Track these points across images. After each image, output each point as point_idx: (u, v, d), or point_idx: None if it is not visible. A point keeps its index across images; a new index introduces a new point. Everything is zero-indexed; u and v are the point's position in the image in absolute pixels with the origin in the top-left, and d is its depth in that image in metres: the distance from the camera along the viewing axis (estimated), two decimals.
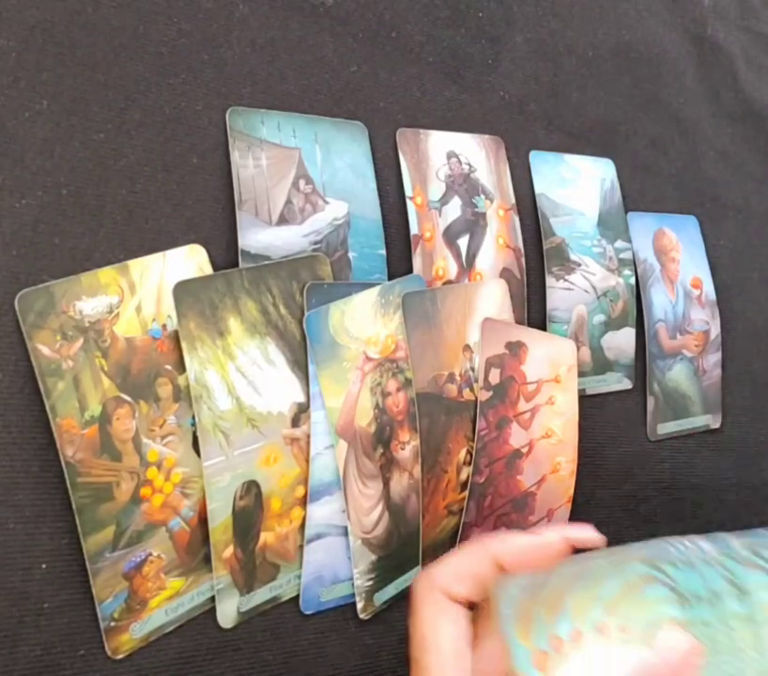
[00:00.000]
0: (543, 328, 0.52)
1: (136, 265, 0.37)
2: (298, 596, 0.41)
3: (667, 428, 0.59)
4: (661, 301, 0.59)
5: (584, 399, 0.53)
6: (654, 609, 0.27)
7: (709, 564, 0.28)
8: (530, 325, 0.51)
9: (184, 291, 0.37)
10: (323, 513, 0.41)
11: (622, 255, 0.58)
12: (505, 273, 0.50)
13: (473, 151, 0.51)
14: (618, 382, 0.56)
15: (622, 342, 0.57)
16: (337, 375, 0.41)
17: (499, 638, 0.28)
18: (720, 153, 0.68)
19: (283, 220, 0.42)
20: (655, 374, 0.58)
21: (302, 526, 0.41)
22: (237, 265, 0.40)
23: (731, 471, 0.63)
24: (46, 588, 0.35)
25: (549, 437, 0.49)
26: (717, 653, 0.26)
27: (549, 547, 0.31)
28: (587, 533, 0.32)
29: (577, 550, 0.31)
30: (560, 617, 0.27)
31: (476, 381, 0.47)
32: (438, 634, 0.29)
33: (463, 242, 0.49)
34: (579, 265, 0.55)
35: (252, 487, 0.39)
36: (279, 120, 0.43)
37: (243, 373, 0.39)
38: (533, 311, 0.52)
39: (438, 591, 0.30)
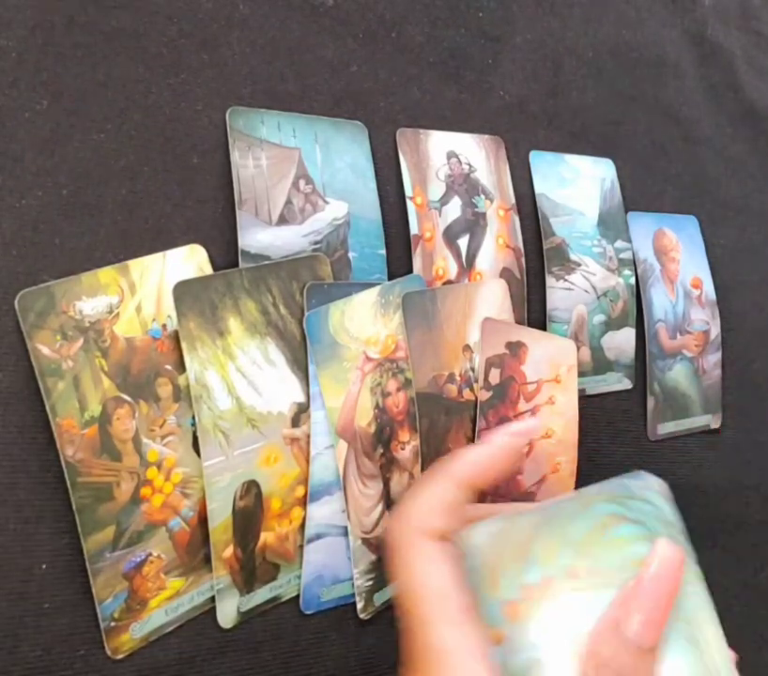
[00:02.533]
0: (543, 328, 0.52)
1: (136, 265, 0.37)
2: (298, 596, 0.41)
3: (667, 428, 0.59)
4: (661, 301, 0.59)
5: (584, 399, 0.53)
6: (625, 549, 0.26)
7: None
8: (530, 325, 0.51)
9: (184, 291, 0.37)
10: (323, 513, 0.41)
11: (622, 255, 0.58)
12: (505, 273, 0.50)
13: (473, 151, 0.51)
14: (618, 382, 0.56)
15: (622, 342, 0.57)
16: (337, 375, 0.41)
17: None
18: (720, 153, 0.68)
19: (283, 220, 0.42)
20: (655, 374, 0.58)
21: (302, 526, 0.41)
22: (237, 265, 0.40)
23: (731, 471, 0.63)
24: (46, 588, 0.35)
25: (549, 438, 0.49)
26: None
27: (503, 450, 0.30)
28: (525, 423, 0.32)
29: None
30: (528, 565, 0.26)
31: (476, 381, 0.47)
32: (427, 578, 0.26)
33: (463, 242, 0.49)
34: (579, 265, 0.55)
35: (252, 487, 0.39)
36: (279, 120, 0.43)
37: (243, 373, 0.39)
38: (533, 311, 0.52)
39: (416, 532, 0.27)
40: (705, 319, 0.62)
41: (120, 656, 0.36)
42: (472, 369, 0.47)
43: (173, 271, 0.38)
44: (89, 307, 0.35)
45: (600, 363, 0.55)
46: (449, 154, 0.50)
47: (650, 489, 0.29)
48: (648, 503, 0.28)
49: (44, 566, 0.35)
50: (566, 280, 0.54)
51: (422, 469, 0.44)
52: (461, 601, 0.26)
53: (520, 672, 0.25)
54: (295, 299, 0.41)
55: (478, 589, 0.26)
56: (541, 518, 0.28)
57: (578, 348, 0.53)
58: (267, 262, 0.41)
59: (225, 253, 0.40)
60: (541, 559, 0.26)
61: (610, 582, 0.26)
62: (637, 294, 0.58)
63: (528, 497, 0.49)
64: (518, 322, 0.50)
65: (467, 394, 0.46)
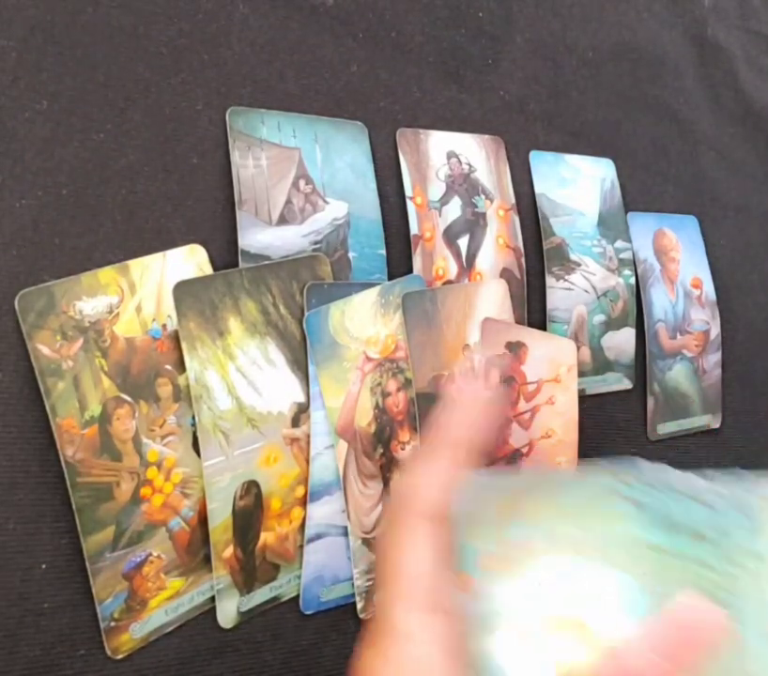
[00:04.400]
0: (543, 328, 0.52)
1: (136, 265, 0.37)
2: (298, 596, 0.41)
3: (667, 428, 0.59)
4: (661, 301, 0.59)
5: (584, 399, 0.53)
6: (615, 525, 0.26)
7: (700, 497, 0.26)
8: (530, 325, 0.51)
9: (184, 291, 0.37)
10: (323, 513, 0.41)
11: (622, 255, 0.58)
12: (505, 273, 0.50)
13: (473, 151, 0.51)
14: (618, 382, 0.56)
15: (621, 342, 0.57)
16: (337, 375, 0.41)
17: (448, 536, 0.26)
18: (720, 153, 0.68)
19: (283, 220, 0.42)
20: (655, 374, 0.58)
21: (302, 526, 0.41)
22: (237, 265, 0.40)
23: (732, 471, 0.63)
24: (46, 588, 0.35)
25: (549, 438, 0.49)
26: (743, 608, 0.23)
27: (479, 403, 0.30)
28: (462, 372, 0.31)
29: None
30: (513, 521, 0.26)
31: None
32: (410, 560, 0.26)
33: (463, 242, 0.49)
34: (579, 265, 0.55)
35: (252, 487, 0.39)
36: (279, 120, 0.43)
37: (243, 373, 0.39)
38: (533, 311, 0.52)
39: (413, 512, 0.27)
40: (705, 319, 0.62)
41: (120, 656, 0.36)
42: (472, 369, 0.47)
43: (173, 271, 0.38)
44: (89, 307, 0.35)
45: (600, 363, 0.55)
46: (449, 154, 0.50)
47: (665, 481, 0.28)
48: (655, 490, 0.27)
49: (44, 566, 0.35)
50: (566, 280, 0.54)
51: None
52: (435, 589, 0.26)
53: (480, 622, 0.25)
54: (295, 299, 0.41)
55: (459, 534, 0.26)
56: (537, 479, 0.28)
57: (578, 348, 0.53)
58: (267, 262, 0.41)
59: (225, 253, 0.40)
60: (527, 518, 0.26)
61: (590, 554, 0.25)
62: (637, 294, 0.58)
63: None
64: (518, 322, 0.50)
65: None
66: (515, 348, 0.48)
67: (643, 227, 0.60)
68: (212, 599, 0.39)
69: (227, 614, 0.39)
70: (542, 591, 0.25)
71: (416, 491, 0.28)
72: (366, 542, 0.42)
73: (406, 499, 0.28)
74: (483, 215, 0.50)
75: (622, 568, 0.25)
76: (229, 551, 0.39)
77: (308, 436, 0.41)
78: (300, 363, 0.41)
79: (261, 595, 0.40)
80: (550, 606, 0.25)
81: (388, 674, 0.25)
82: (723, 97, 0.69)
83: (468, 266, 0.49)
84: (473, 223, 0.50)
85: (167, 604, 0.37)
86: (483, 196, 0.51)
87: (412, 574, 0.26)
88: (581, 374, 0.53)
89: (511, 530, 0.26)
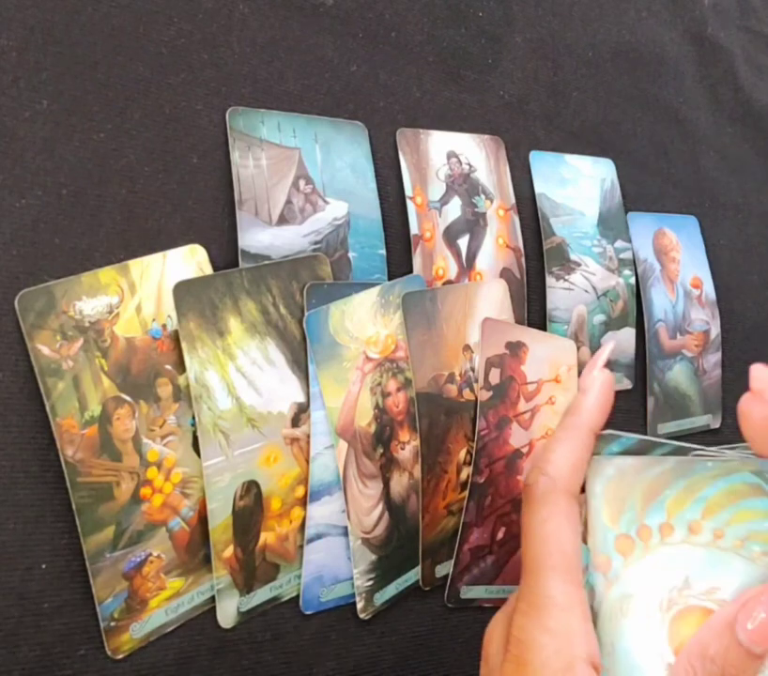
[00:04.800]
0: (543, 328, 0.52)
1: (136, 265, 0.37)
2: (298, 596, 0.41)
3: (667, 428, 0.59)
4: (661, 301, 0.59)
5: None
6: (754, 521, 0.26)
7: None
8: (530, 325, 0.51)
9: (184, 291, 0.37)
10: (323, 513, 0.41)
11: (622, 255, 0.58)
12: (505, 273, 0.50)
13: (473, 151, 0.51)
14: (618, 382, 0.56)
15: (621, 342, 0.57)
16: (337, 375, 0.41)
17: (584, 516, 0.28)
18: (720, 153, 0.68)
19: (283, 220, 0.42)
20: (655, 374, 0.58)
21: (302, 526, 0.41)
22: (237, 265, 0.40)
23: None
24: (46, 588, 0.35)
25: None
26: None
27: (607, 388, 0.32)
28: (606, 349, 0.34)
29: None
30: (653, 508, 0.27)
31: (476, 381, 0.47)
32: (558, 534, 0.28)
33: (463, 242, 0.49)
34: (579, 265, 0.55)
35: (252, 487, 0.39)
36: (279, 120, 0.43)
37: (243, 373, 0.39)
38: (533, 311, 0.52)
39: (560, 491, 0.29)
40: (705, 319, 0.62)
41: (120, 656, 0.36)
42: (472, 369, 0.47)
43: (173, 271, 0.38)
44: (89, 307, 0.35)
45: None
46: (449, 154, 0.50)
47: None
48: None
49: (44, 566, 0.35)
50: (566, 280, 0.54)
51: (422, 469, 0.44)
52: (578, 561, 0.28)
53: (613, 603, 0.27)
54: (295, 299, 0.41)
55: (598, 515, 0.27)
56: (679, 468, 0.28)
57: (578, 348, 0.53)
58: (267, 262, 0.41)
59: (225, 253, 0.40)
60: (668, 505, 0.27)
61: (727, 548, 0.26)
62: (637, 294, 0.58)
63: None
64: (518, 322, 0.50)
65: (467, 394, 0.46)
66: (515, 348, 0.48)
67: (643, 227, 0.60)
68: (212, 599, 0.39)
69: (227, 614, 0.39)
70: (675, 579, 0.26)
71: (559, 470, 0.30)
72: (366, 542, 0.42)
73: (550, 478, 0.30)
74: (484, 215, 0.50)
75: (759, 562, 0.26)
76: (229, 551, 0.39)
77: (308, 436, 0.41)
78: (300, 363, 0.41)
79: (261, 595, 0.40)
80: (682, 593, 0.26)
81: (545, 641, 0.27)
82: (723, 96, 0.69)
83: (468, 266, 0.49)
84: (473, 223, 0.50)
85: (167, 604, 0.37)
86: (483, 196, 0.51)
87: (563, 550, 0.28)
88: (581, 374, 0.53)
89: (651, 517, 0.27)
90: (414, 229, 0.47)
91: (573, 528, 0.29)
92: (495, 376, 0.47)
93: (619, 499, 0.28)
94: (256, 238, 0.41)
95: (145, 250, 0.38)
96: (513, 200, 0.52)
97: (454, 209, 0.49)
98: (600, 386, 0.33)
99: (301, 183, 0.43)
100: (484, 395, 0.47)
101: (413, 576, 0.45)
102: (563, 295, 0.54)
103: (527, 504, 0.30)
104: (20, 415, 0.34)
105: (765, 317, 0.67)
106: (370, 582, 0.43)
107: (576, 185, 0.56)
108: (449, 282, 0.48)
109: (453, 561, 0.46)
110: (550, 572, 0.28)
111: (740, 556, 0.26)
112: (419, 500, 0.44)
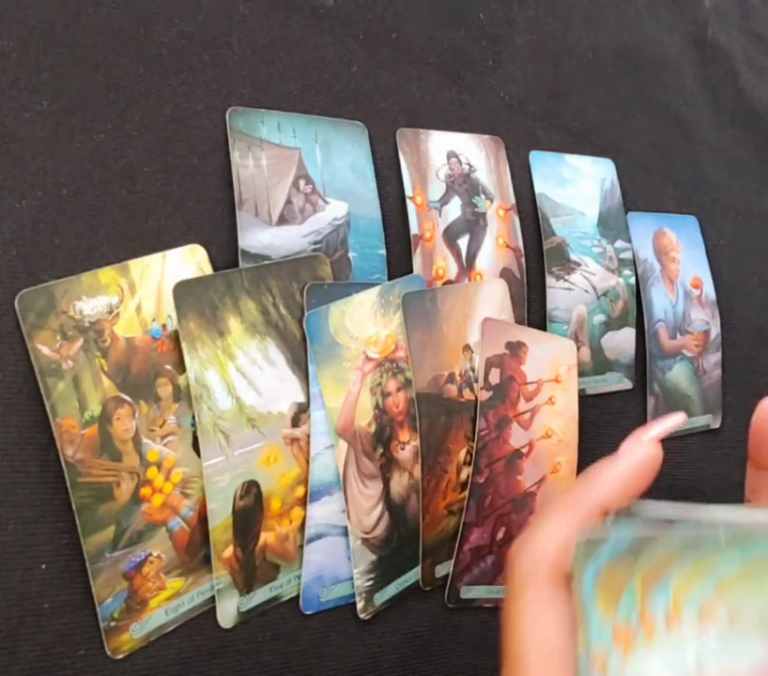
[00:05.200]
0: (543, 328, 0.52)
1: (136, 265, 0.37)
2: (298, 596, 0.41)
3: None
4: (661, 301, 0.59)
5: (584, 399, 0.53)
6: None
7: None
8: (530, 325, 0.51)
9: (184, 291, 0.37)
10: (323, 513, 0.41)
11: (622, 255, 0.58)
12: (505, 273, 0.50)
13: (473, 151, 0.51)
14: (618, 382, 0.56)
15: (621, 342, 0.57)
16: (337, 375, 0.41)
17: (572, 604, 0.24)
18: (720, 153, 0.68)
19: (283, 220, 0.42)
20: (655, 374, 0.58)
21: (302, 526, 0.41)
22: (237, 265, 0.40)
23: (731, 471, 0.63)
24: (46, 588, 0.35)
25: (549, 438, 0.49)
26: None
27: (644, 463, 0.26)
28: (671, 421, 0.28)
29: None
30: (658, 589, 0.23)
31: (476, 381, 0.47)
32: (539, 625, 0.25)
33: (463, 242, 0.49)
34: (579, 265, 0.55)
35: (252, 487, 0.39)
36: (279, 120, 0.43)
37: (243, 373, 0.39)
38: (533, 311, 0.52)
39: (542, 575, 0.25)
40: (705, 319, 0.62)
41: (120, 656, 0.36)
42: (472, 369, 0.47)
43: (173, 271, 0.38)
44: (89, 307, 0.35)
45: (600, 363, 0.55)
46: (449, 154, 0.50)
47: None
48: None
49: (44, 566, 0.35)
50: (566, 280, 0.54)
51: (422, 469, 0.44)
52: (562, 653, 0.24)
53: None
54: (295, 299, 0.41)
55: (593, 600, 0.24)
56: (690, 537, 0.24)
57: (578, 348, 0.53)
58: (267, 262, 0.41)
59: (225, 253, 0.40)
60: (675, 585, 0.23)
61: (744, 632, 0.22)
62: (637, 294, 0.58)
63: (528, 497, 0.49)
64: (518, 322, 0.50)
65: (467, 394, 0.46)
66: (515, 348, 0.48)
67: (643, 227, 0.60)
68: (212, 599, 0.39)
69: (227, 614, 0.39)
70: (687, 671, 0.22)
71: (547, 551, 0.25)
72: (366, 542, 0.42)
73: (532, 560, 0.26)
74: (484, 215, 0.50)
75: None
76: (229, 551, 0.39)
77: (308, 436, 0.41)
78: (300, 363, 0.41)
79: (261, 595, 0.40)
80: None
81: None
82: (723, 97, 0.70)
83: (468, 266, 0.49)
84: (473, 223, 0.50)
85: (167, 604, 0.37)
86: (483, 196, 0.51)
87: (543, 643, 0.24)
88: (581, 374, 0.53)
89: (655, 601, 0.23)
90: (414, 229, 0.47)
91: (556, 617, 0.25)
92: (495, 376, 0.47)
93: (619, 582, 0.24)
94: (256, 238, 0.41)
95: (146, 250, 0.38)
96: (513, 200, 0.52)
97: (454, 209, 0.49)
98: (640, 458, 0.27)
99: (301, 183, 0.43)
100: (484, 395, 0.47)
101: (413, 576, 0.45)
102: (563, 295, 0.54)
103: (507, 584, 0.26)
104: (20, 415, 0.34)
105: (765, 317, 0.67)
106: (370, 582, 0.43)
107: (576, 185, 0.56)
108: (449, 282, 0.48)
109: (453, 561, 0.46)
110: (528, 669, 0.24)
111: (759, 636, 0.22)
112: (419, 500, 0.44)
